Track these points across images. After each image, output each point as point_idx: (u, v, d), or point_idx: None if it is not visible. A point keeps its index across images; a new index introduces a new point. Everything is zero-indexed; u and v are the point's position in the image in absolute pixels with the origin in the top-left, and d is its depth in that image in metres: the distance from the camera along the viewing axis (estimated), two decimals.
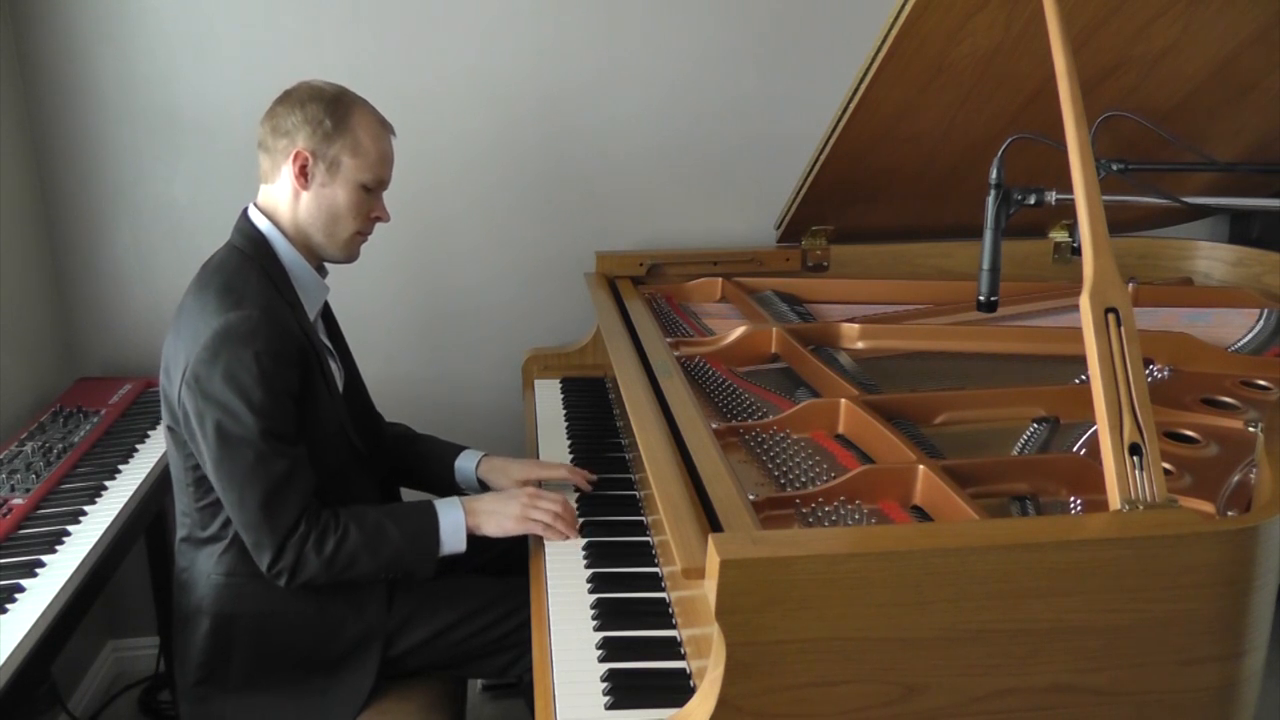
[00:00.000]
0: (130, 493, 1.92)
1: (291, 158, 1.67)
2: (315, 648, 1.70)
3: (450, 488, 1.94)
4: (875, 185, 2.32)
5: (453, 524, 1.70)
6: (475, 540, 1.74)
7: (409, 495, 1.98)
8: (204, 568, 1.71)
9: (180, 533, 1.76)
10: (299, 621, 1.70)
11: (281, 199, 1.72)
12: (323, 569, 1.62)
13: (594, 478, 1.88)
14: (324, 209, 1.70)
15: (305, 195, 1.70)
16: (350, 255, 1.78)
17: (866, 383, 1.88)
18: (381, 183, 1.74)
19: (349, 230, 1.73)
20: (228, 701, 1.71)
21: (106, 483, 1.95)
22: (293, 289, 1.71)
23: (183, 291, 2.43)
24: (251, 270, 1.68)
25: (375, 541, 1.65)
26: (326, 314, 1.87)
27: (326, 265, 1.81)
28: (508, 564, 1.90)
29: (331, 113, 1.67)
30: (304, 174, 1.68)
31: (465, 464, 1.93)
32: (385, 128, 1.74)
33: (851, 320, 2.14)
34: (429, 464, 1.97)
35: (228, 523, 1.66)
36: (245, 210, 1.75)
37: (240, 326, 1.58)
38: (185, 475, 1.69)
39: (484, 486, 1.92)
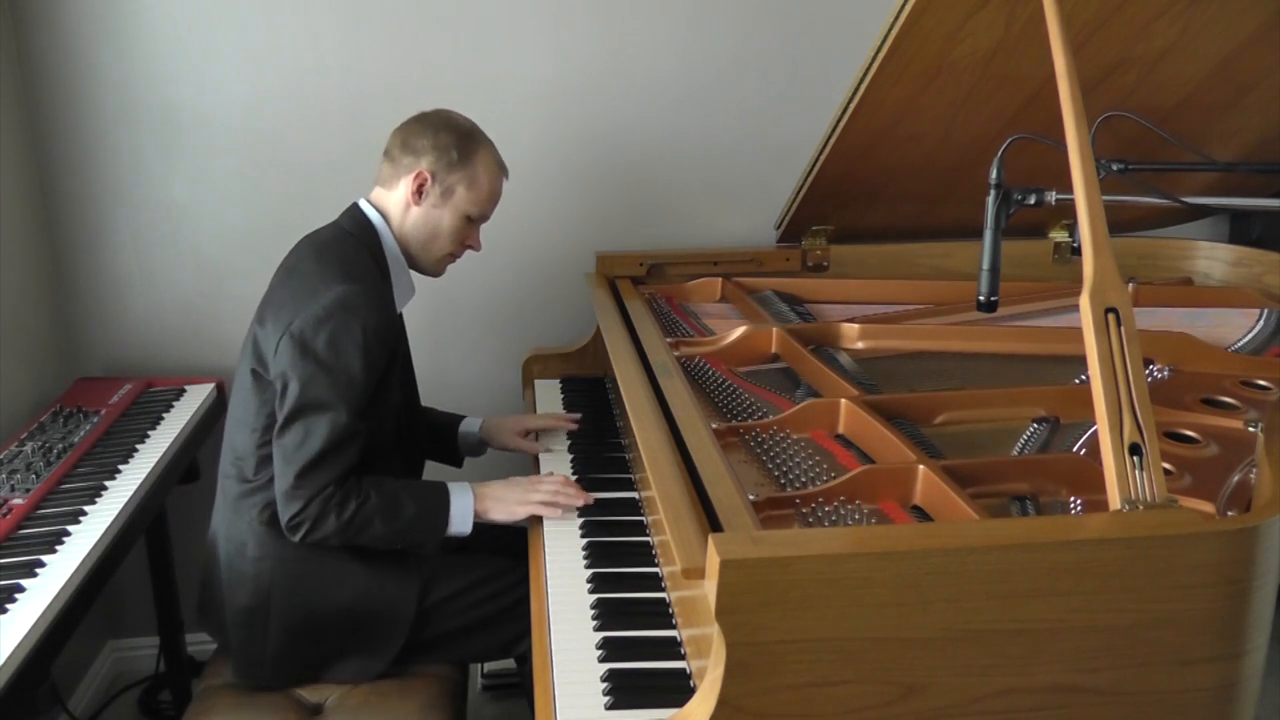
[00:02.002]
0: (130, 493, 1.92)
1: (413, 175, 1.83)
2: (354, 598, 1.78)
3: (452, 453, 2.15)
4: (875, 185, 2.32)
5: (463, 506, 1.79)
6: (489, 527, 1.86)
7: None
8: (247, 514, 1.79)
9: (228, 475, 1.84)
10: (338, 570, 1.77)
11: (393, 206, 1.87)
12: (339, 529, 1.71)
13: (577, 416, 2.12)
14: (428, 226, 1.86)
15: (415, 210, 1.85)
16: (437, 272, 1.95)
17: (866, 383, 1.88)
18: (484, 217, 1.92)
19: (443, 250, 1.90)
20: (269, 642, 1.78)
21: (106, 483, 1.95)
22: (390, 281, 1.84)
23: (182, 291, 2.49)
24: (364, 253, 1.82)
25: (390, 510, 1.74)
26: None
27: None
28: (520, 551, 1.94)
29: (460, 145, 1.84)
30: (419, 192, 1.84)
31: (468, 429, 2.13)
32: (502, 170, 1.91)
33: (851, 320, 2.14)
34: (436, 433, 2.14)
35: None
36: (356, 203, 1.89)
37: (357, 299, 1.70)
38: (256, 419, 1.77)
39: (481, 449, 2.15)
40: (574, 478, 1.90)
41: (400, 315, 1.94)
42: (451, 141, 1.83)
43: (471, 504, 1.79)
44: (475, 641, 1.86)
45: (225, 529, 1.83)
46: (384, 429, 1.81)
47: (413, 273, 1.94)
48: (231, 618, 1.80)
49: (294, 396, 1.68)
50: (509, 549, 2.03)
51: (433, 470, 2.16)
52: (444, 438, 2.14)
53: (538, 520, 1.80)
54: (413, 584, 1.80)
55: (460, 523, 1.78)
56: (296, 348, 1.68)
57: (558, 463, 2.00)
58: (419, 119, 1.87)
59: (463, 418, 2.15)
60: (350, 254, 1.80)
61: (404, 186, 1.84)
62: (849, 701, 1.12)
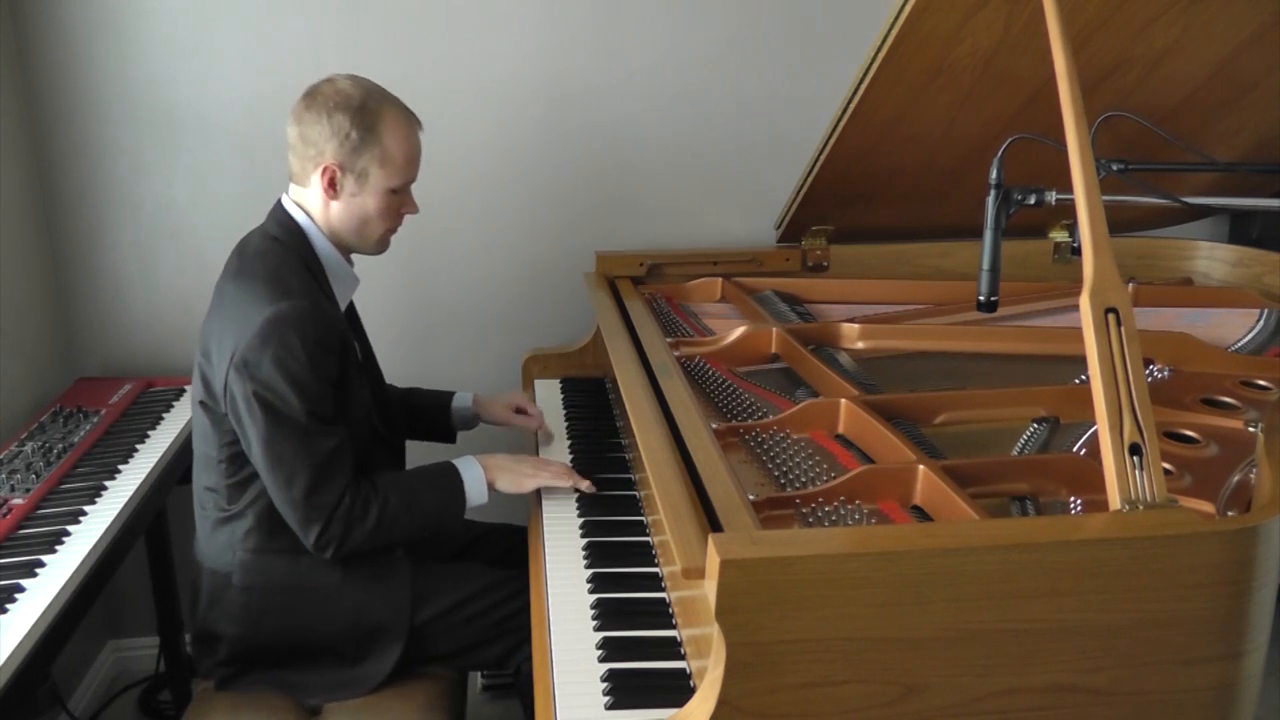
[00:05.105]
0: (130, 493, 1.92)
1: (320, 170, 1.71)
2: (345, 622, 1.76)
3: (446, 431, 2.13)
4: (875, 185, 2.32)
5: (474, 479, 1.79)
6: (489, 533, 1.89)
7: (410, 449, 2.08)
8: (227, 543, 1.77)
9: (203, 508, 1.81)
10: (327, 594, 1.76)
11: (313, 202, 1.76)
12: (368, 536, 1.70)
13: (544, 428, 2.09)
14: (354, 215, 1.76)
15: (335, 204, 1.75)
16: (381, 249, 1.85)
17: (866, 383, 1.88)
18: (409, 183, 1.79)
19: (379, 231, 1.80)
20: (259, 666, 1.77)
21: (106, 483, 1.95)
22: (328, 281, 1.78)
23: (182, 291, 2.49)
24: (294, 261, 1.73)
25: (411, 504, 1.74)
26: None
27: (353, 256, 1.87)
28: (516, 559, 1.94)
29: (358, 123, 1.70)
30: (333, 186, 1.73)
31: (461, 403, 2.11)
32: (412, 126, 1.77)
33: (851, 320, 2.14)
34: (427, 414, 2.12)
35: (254, 500, 1.73)
36: (279, 201, 1.80)
37: (291, 315, 1.63)
38: (219, 452, 1.73)
39: (474, 421, 2.14)
40: None
41: (351, 307, 1.90)
42: (348, 121, 1.68)
43: (481, 474, 1.80)
44: (471, 656, 1.84)
45: (210, 560, 1.79)
46: (360, 431, 1.78)
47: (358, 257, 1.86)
48: (221, 646, 1.77)
49: (261, 430, 1.64)
50: (507, 556, 2.01)
51: (427, 450, 2.16)
52: (435, 416, 2.12)
53: (538, 519, 1.80)
54: (403, 604, 1.77)
55: (477, 495, 1.79)
56: (246, 378, 1.63)
57: (558, 460, 1.99)
58: (309, 102, 1.72)
59: (452, 394, 2.13)
60: (274, 266, 1.70)
61: (315, 182, 1.72)
62: (849, 701, 1.12)
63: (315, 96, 1.72)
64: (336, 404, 1.70)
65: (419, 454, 2.16)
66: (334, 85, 1.73)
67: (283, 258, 1.72)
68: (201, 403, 1.74)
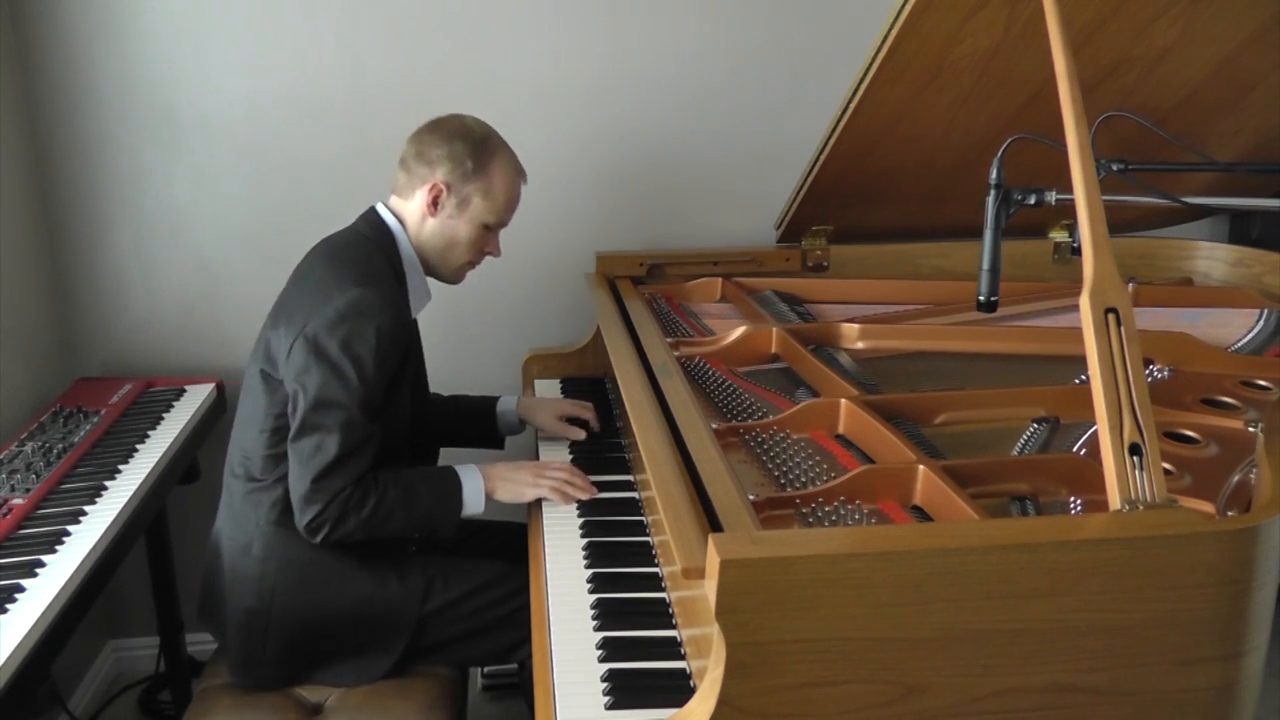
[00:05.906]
0: (130, 493, 1.92)
1: (428, 186, 1.83)
2: (357, 602, 1.78)
3: (491, 436, 2.14)
4: (875, 185, 2.32)
5: (474, 487, 1.81)
6: (484, 527, 1.89)
7: (450, 454, 2.08)
8: (253, 514, 1.80)
9: (233, 475, 1.84)
10: (342, 573, 1.78)
11: (410, 215, 1.87)
12: (360, 526, 1.72)
13: (596, 426, 2.08)
14: (445, 236, 1.87)
15: (431, 221, 1.86)
16: (456, 280, 1.96)
17: (866, 383, 1.88)
18: (503, 224, 1.92)
19: (462, 259, 1.91)
20: (269, 643, 1.78)
21: (106, 483, 1.95)
22: (406, 286, 1.84)
23: (182, 291, 2.49)
24: (381, 257, 1.82)
25: (408, 500, 1.76)
26: None
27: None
28: (514, 552, 1.96)
29: (475, 155, 1.83)
30: (435, 203, 1.84)
31: (505, 408, 2.13)
32: (519, 175, 1.91)
33: (851, 320, 2.14)
34: (471, 419, 2.14)
35: (286, 473, 1.75)
36: (374, 207, 1.89)
37: (371, 302, 1.71)
38: (266, 421, 1.78)
39: (521, 426, 2.14)
40: None
41: (415, 321, 1.93)
42: (466, 151, 1.81)
43: (481, 484, 1.81)
44: (476, 647, 1.85)
45: (230, 529, 1.83)
46: (395, 436, 1.81)
47: (429, 279, 1.94)
48: (232, 617, 1.80)
49: (309, 401, 1.68)
50: (504, 550, 2.03)
51: (465, 456, 2.17)
52: (481, 421, 2.14)
53: (538, 519, 1.80)
54: (415, 589, 1.80)
55: (474, 504, 1.81)
56: (310, 351, 1.68)
57: (558, 459, 1.99)
58: (433, 127, 1.85)
59: (496, 399, 2.15)
60: (364, 257, 1.80)
61: (420, 197, 1.83)
62: (849, 701, 1.12)
63: (441, 123, 1.86)
64: (384, 402, 1.74)
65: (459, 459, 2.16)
66: (461, 119, 1.87)
67: (371, 253, 1.81)
68: (261, 370, 1.79)
